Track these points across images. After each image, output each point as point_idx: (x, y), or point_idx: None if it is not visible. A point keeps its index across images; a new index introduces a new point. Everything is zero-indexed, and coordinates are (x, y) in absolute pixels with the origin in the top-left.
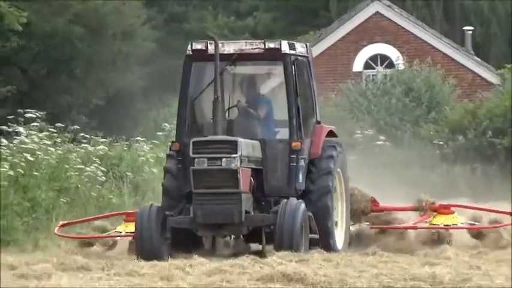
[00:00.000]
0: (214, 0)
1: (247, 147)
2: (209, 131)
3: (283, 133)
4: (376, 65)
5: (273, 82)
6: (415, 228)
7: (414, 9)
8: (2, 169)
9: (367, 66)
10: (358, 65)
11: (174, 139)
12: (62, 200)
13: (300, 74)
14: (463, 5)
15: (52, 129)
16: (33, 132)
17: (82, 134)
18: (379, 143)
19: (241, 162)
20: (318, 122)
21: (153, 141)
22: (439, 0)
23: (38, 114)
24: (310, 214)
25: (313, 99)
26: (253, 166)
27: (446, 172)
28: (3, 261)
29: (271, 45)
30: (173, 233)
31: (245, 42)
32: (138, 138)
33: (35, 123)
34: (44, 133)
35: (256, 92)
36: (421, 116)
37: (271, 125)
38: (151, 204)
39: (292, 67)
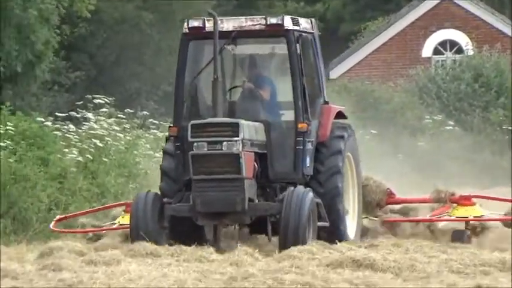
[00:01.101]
0: None
1: (250, 130)
2: (209, 113)
3: (288, 115)
4: (446, 51)
5: (276, 60)
6: (432, 221)
7: None
8: (71, 155)
9: (436, 51)
10: (427, 50)
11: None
12: (130, 185)
13: (305, 51)
14: None
15: (121, 115)
16: (101, 118)
17: (151, 120)
18: (448, 128)
19: (243, 146)
20: (326, 102)
21: None
22: None
23: (106, 100)
24: (319, 201)
25: (320, 78)
26: (257, 150)
27: None
28: (72, 248)
29: (273, 20)
30: (172, 223)
31: (245, 18)
32: None
33: (103, 109)
34: (112, 119)
35: (259, 71)
36: (491, 101)
37: (276, 107)
38: (148, 191)
39: (296, 44)
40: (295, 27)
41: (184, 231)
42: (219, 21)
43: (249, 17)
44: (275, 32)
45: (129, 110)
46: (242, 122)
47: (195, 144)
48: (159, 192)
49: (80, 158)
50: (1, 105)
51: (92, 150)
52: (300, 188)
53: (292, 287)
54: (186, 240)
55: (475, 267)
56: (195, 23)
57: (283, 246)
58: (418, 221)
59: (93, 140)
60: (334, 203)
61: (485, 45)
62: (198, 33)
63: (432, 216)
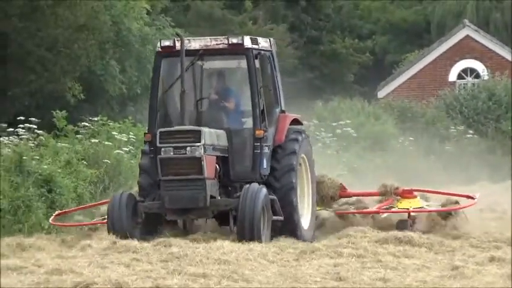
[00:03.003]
0: (342, 27)
1: (211, 136)
2: (178, 122)
3: (249, 123)
4: (467, 76)
5: (238, 75)
6: (378, 212)
7: (496, 32)
8: None
9: (459, 77)
10: (452, 76)
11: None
12: None
13: (263, 67)
14: None
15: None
16: None
17: None
18: (468, 136)
19: (205, 150)
20: (283, 111)
21: None
22: None
23: None
24: (274, 197)
25: (278, 90)
26: (219, 154)
27: None
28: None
29: (234, 40)
30: (148, 218)
31: (210, 38)
32: None
33: None
34: None
35: (224, 84)
36: (501, 115)
37: (239, 115)
38: (123, 192)
39: (254, 60)
40: (254, 46)
41: (159, 223)
42: (187, 41)
43: (213, 37)
44: (236, 50)
45: None
46: (204, 129)
47: (163, 149)
48: (132, 192)
49: None
50: (125, 118)
51: None
52: (255, 185)
53: (349, 258)
54: (160, 231)
55: (489, 243)
56: (166, 43)
57: (240, 236)
58: (367, 213)
59: None
60: (288, 196)
61: (497, 72)
62: (170, 52)
63: (378, 208)
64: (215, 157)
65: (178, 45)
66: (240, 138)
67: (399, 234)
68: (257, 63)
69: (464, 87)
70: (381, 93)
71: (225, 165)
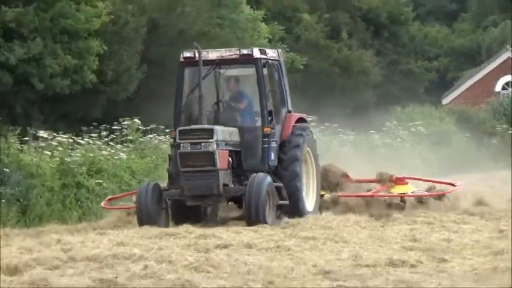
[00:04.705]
0: (415, 51)
1: (224, 133)
2: (197, 121)
3: (259, 121)
4: (508, 87)
5: (250, 81)
6: (373, 196)
7: None
8: None
9: (503, 88)
10: (498, 87)
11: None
12: None
13: (271, 73)
14: None
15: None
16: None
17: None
18: (509, 132)
19: (217, 145)
20: (289, 111)
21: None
22: None
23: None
24: (280, 184)
25: (285, 93)
26: (231, 148)
27: None
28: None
29: (245, 51)
30: (176, 206)
31: (225, 50)
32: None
33: None
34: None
35: (239, 89)
36: None
37: (251, 115)
38: (149, 182)
39: (262, 69)
40: (262, 56)
41: (184, 213)
42: (205, 52)
43: (227, 48)
44: (246, 60)
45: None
46: (216, 127)
47: (182, 145)
48: (158, 182)
49: None
50: None
51: None
52: (260, 174)
53: (422, 224)
54: (186, 220)
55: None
56: (187, 54)
57: (248, 218)
58: (364, 196)
59: None
60: (294, 183)
61: None
62: (191, 62)
63: (374, 193)
64: (227, 151)
65: (198, 56)
66: (251, 134)
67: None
68: (265, 70)
69: (506, 96)
70: (445, 101)
71: (238, 158)
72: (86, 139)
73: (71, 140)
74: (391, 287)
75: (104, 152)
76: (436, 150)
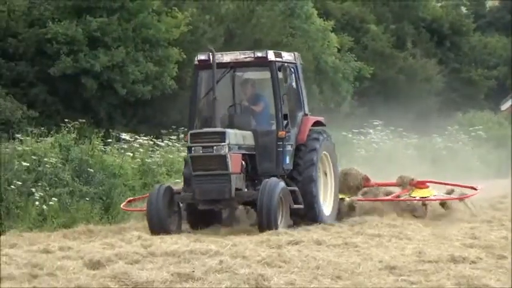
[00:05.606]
0: (476, 60)
1: (237, 136)
2: (210, 124)
3: (274, 125)
4: None
5: (265, 84)
6: (395, 200)
7: None
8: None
9: None
10: None
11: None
12: None
13: (286, 77)
14: None
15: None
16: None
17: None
18: None
19: (230, 149)
20: (306, 115)
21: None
22: None
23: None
24: (296, 188)
25: (301, 96)
26: (245, 152)
27: None
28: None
29: (259, 54)
30: (190, 209)
31: (239, 52)
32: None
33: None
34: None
35: (254, 91)
36: None
37: (267, 119)
38: (161, 185)
39: (277, 72)
40: (277, 59)
41: (199, 216)
42: (220, 55)
43: (242, 51)
44: (261, 63)
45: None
46: (229, 131)
47: (193, 148)
48: (171, 185)
49: None
50: None
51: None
52: (273, 179)
53: (482, 223)
54: (203, 223)
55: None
56: (202, 57)
57: (260, 225)
58: (384, 200)
59: None
60: (309, 188)
61: None
62: (205, 64)
63: (393, 197)
64: (241, 155)
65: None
66: (266, 138)
67: None
68: (280, 74)
69: None
70: (503, 107)
71: (253, 162)
72: (165, 141)
73: (151, 142)
74: (453, 282)
75: (183, 154)
76: (495, 153)
